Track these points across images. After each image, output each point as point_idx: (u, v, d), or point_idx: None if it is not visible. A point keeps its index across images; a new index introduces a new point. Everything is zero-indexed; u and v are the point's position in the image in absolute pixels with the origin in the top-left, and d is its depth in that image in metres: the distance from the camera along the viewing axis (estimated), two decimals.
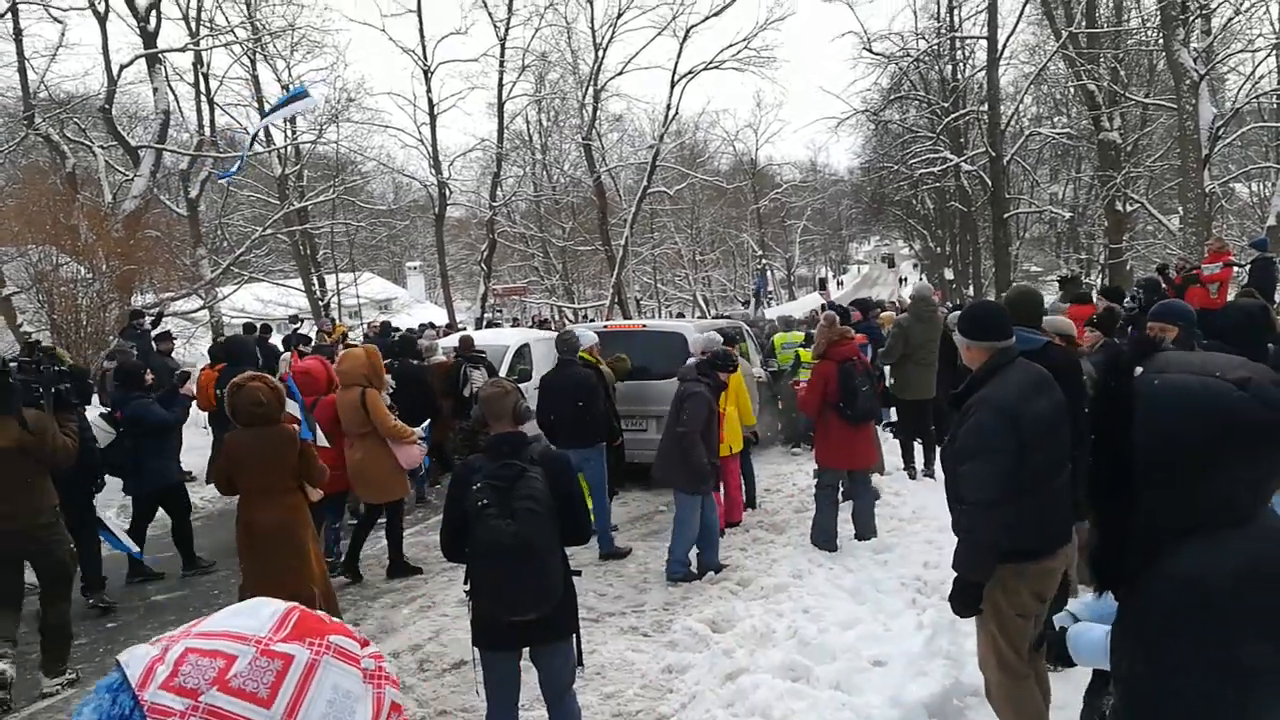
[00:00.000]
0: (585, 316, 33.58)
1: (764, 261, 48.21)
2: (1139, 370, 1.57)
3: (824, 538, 6.89)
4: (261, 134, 20.93)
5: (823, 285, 31.27)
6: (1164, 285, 9.96)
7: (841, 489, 7.12)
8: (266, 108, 21.72)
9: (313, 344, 12.57)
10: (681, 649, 5.24)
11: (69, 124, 22.12)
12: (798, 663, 4.74)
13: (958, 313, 7.12)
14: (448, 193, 33.18)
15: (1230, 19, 20.89)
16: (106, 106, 20.44)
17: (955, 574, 3.41)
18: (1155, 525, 1.52)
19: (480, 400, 3.64)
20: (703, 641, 5.27)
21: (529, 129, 38.42)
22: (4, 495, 4.92)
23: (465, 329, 24.37)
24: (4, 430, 4.93)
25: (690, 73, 31.50)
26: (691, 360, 7.13)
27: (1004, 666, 3.45)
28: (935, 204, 41.62)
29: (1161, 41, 19.69)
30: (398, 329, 17.55)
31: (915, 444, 9.42)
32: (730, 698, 4.44)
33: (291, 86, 27.62)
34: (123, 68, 20.39)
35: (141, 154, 20.49)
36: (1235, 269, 13.18)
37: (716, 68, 31.50)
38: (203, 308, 21.11)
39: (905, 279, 63.44)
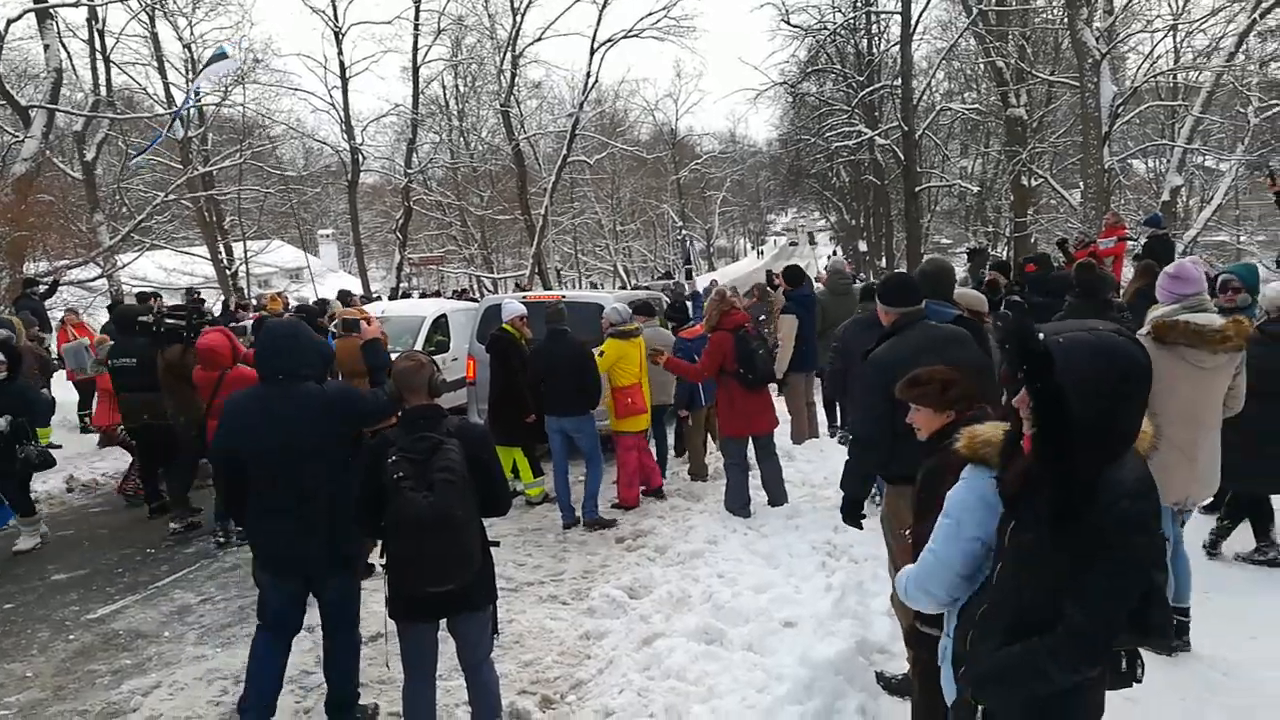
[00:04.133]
0: (506, 287, 33.23)
1: (684, 232, 48.40)
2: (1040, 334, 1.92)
3: (737, 504, 7.06)
4: (158, 106, 19.99)
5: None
6: (1063, 258, 10.39)
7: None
8: (192, 80, 20.77)
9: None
10: (599, 615, 5.32)
11: None
12: (712, 626, 4.87)
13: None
14: (361, 159, 32.36)
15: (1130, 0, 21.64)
16: None
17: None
18: (1094, 462, 1.89)
19: (395, 373, 3.60)
20: (620, 608, 5.36)
21: (445, 94, 37.71)
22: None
23: (380, 298, 23.88)
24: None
25: (610, 40, 31.26)
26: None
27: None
28: (850, 177, 42.30)
29: (1066, 20, 20.27)
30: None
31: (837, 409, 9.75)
32: (646, 661, 4.54)
33: (194, 46, 26.54)
34: (10, 23, 19.13)
35: (32, 114, 19.40)
36: (1130, 243, 13.81)
37: (636, 36, 31.31)
38: (101, 276, 20.17)
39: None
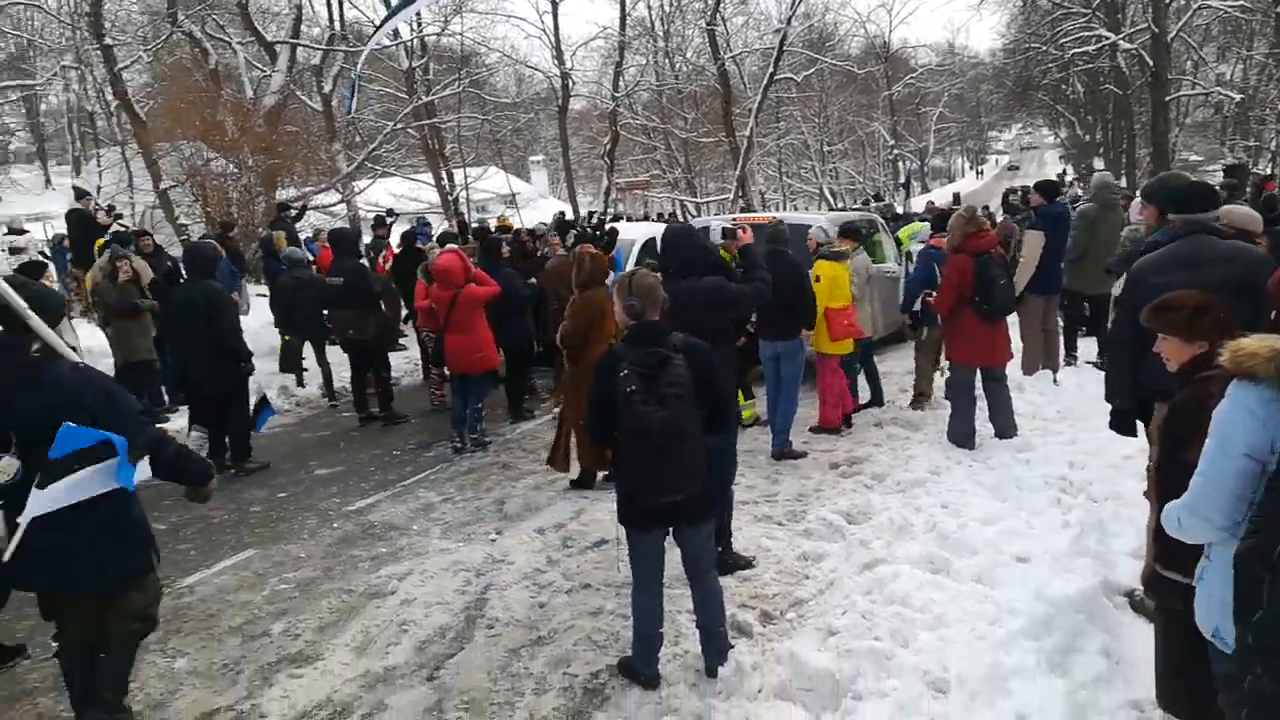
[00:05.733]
0: (709, 211, 33.09)
1: (896, 152, 46.16)
2: None
3: (962, 435, 6.75)
4: (385, 37, 20.84)
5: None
6: None
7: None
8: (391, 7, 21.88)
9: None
10: (817, 538, 5.31)
11: (208, 20, 22.77)
12: (937, 555, 4.73)
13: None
14: (570, 84, 32.88)
15: None
16: (243, 2, 20.92)
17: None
18: None
19: (639, 289, 3.68)
20: (838, 532, 5.32)
21: (651, 15, 37.37)
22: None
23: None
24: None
25: None
26: None
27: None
28: (1086, 88, 38.69)
29: None
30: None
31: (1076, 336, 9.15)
32: (868, 585, 4.47)
33: None
34: None
35: (277, 50, 20.98)
36: None
37: None
38: (341, 201, 21.85)
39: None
